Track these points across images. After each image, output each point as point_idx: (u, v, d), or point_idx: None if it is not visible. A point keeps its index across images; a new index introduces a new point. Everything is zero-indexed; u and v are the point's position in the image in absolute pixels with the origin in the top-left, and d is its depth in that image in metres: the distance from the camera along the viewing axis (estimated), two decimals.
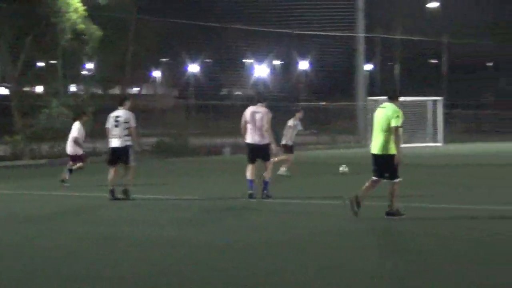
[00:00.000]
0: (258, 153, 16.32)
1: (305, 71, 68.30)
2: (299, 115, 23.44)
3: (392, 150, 12.68)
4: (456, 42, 63.56)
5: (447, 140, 48.27)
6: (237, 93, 69.48)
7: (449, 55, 66.49)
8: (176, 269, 8.96)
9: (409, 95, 47.86)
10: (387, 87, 18.54)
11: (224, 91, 71.66)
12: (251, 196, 15.92)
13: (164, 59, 69.66)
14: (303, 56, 65.29)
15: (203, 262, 9.38)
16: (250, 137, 16.27)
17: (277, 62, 71.43)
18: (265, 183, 16.26)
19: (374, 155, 12.95)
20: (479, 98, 68.08)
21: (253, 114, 16.22)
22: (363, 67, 49.70)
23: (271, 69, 69.14)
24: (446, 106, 51.55)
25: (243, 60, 62.72)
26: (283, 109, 33.65)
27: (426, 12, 63.38)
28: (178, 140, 38.67)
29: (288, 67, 71.43)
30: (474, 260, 9.37)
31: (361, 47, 48.03)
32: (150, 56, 53.31)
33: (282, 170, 22.34)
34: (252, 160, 16.37)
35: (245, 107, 16.64)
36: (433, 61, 72.06)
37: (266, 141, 16.31)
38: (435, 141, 47.36)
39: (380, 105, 13.24)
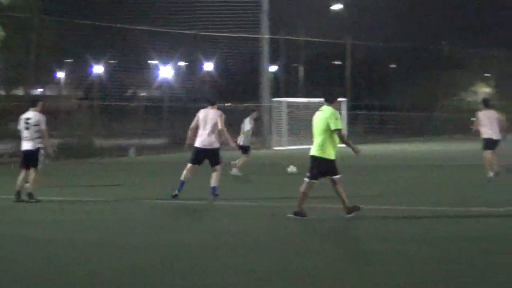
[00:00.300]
0: (205, 157, 16.16)
1: (210, 72, 68.34)
2: (255, 115, 23.81)
3: (329, 153, 12.81)
4: (360, 44, 64.71)
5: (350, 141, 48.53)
6: (142, 94, 69.12)
7: (353, 56, 67.45)
8: (72, 269, 9.03)
9: (313, 96, 48.43)
10: (325, 90, 18.24)
11: (129, 92, 71.11)
12: (174, 196, 15.82)
13: (68, 60, 68.72)
14: (208, 58, 65.33)
15: (96, 260, 9.52)
16: (199, 141, 16.10)
17: (182, 63, 71.28)
18: (213, 189, 16.06)
19: (311, 156, 13.04)
20: (382, 100, 69.21)
21: (205, 116, 16.14)
22: (267, 68, 50.05)
23: (176, 71, 68.93)
24: (349, 107, 52.32)
25: (148, 61, 62.36)
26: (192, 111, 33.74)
27: (331, 14, 64.22)
28: (83, 141, 38.24)
29: (193, 68, 71.33)
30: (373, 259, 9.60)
31: (265, 49, 48.33)
32: (54, 57, 52.51)
33: (234, 170, 22.41)
34: (193, 162, 16.20)
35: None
36: (337, 62, 72.91)
37: (216, 145, 16.21)
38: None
39: (320, 109, 13.23)
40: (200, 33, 50.02)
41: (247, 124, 23.06)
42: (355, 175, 21.02)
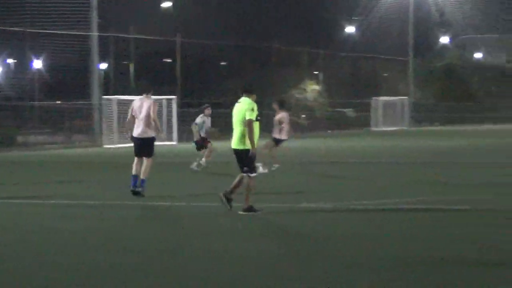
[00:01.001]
0: (142, 147, 16.08)
1: (39, 70, 67.13)
2: (207, 112, 23.78)
3: (248, 144, 12.82)
4: (189, 42, 65.10)
5: (182, 139, 49.39)
6: None
7: (184, 54, 67.62)
8: None
9: (143, 94, 48.40)
10: (244, 82, 18.49)
11: None
12: (134, 193, 15.71)
13: None
14: (38, 55, 64.16)
15: None
16: (135, 130, 16.09)
17: (10, 61, 69.67)
18: (142, 181, 15.88)
19: (233, 150, 13.10)
20: (214, 97, 69.79)
21: (140, 106, 16.10)
22: (97, 66, 49.68)
23: (4, 68, 67.30)
24: (180, 105, 52.63)
25: None
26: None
27: (161, 12, 64.33)
28: None
29: (22, 65, 69.81)
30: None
31: (95, 46, 47.96)
32: None
33: (194, 164, 22.92)
34: (137, 154, 16.18)
35: None
36: (167, 60, 72.98)
37: (149, 134, 16.09)
38: (170, 140, 48.43)
39: (238, 101, 13.27)
40: (28, 30, 49.08)
41: (198, 121, 23.56)
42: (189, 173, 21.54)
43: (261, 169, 22.91)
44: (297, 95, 69.71)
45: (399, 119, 70.95)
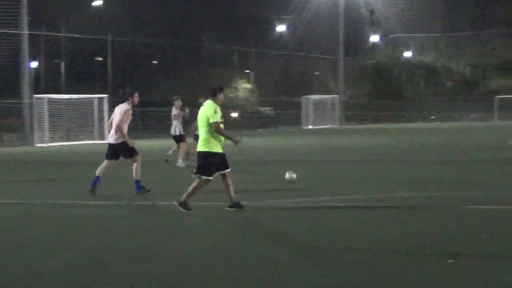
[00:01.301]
0: (115, 152, 15.99)
1: None
2: (177, 104, 24.01)
3: (214, 146, 12.83)
4: (120, 40, 64.87)
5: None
6: None
7: (116, 52, 67.45)
8: None
9: (75, 92, 48.11)
10: (210, 86, 17.96)
11: None
12: (92, 191, 15.72)
13: None
14: None
15: None
16: (109, 136, 16.25)
17: None
18: (136, 182, 15.96)
19: (198, 153, 13.04)
20: (145, 96, 69.52)
21: (115, 112, 16.13)
22: (28, 64, 49.11)
23: None
24: (111, 103, 52.34)
25: None
26: None
27: (92, 10, 63.96)
28: None
29: None
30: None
31: (25, 44, 47.41)
32: None
33: (179, 162, 23.06)
34: (107, 157, 16.09)
35: None
36: (99, 58, 72.67)
37: (119, 139, 15.94)
38: (102, 139, 48.21)
39: (203, 104, 13.25)
40: None
41: (174, 113, 23.93)
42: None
43: (180, 162, 23.52)
44: (229, 94, 70.06)
45: (329, 118, 71.87)
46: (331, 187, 17.59)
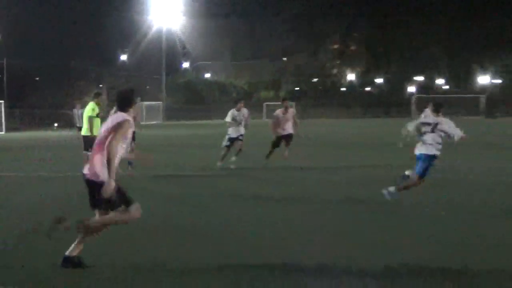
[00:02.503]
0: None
1: None
2: (238, 107, 21.62)
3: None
4: (14, 62, 69.75)
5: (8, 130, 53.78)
6: None
7: (8, 71, 70.29)
8: None
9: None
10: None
11: None
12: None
13: None
14: None
15: None
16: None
17: None
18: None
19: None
20: (34, 104, 71.27)
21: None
22: None
23: None
24: (9, 106, 58.13)
25: None
26: None
27: None
28: None
29: None
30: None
31: None
32: None
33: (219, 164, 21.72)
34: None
35: None
36: None
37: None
38: None
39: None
40: None
41: (228, 117, 21.62)
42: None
43: None
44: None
45: (156, 117, 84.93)
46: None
